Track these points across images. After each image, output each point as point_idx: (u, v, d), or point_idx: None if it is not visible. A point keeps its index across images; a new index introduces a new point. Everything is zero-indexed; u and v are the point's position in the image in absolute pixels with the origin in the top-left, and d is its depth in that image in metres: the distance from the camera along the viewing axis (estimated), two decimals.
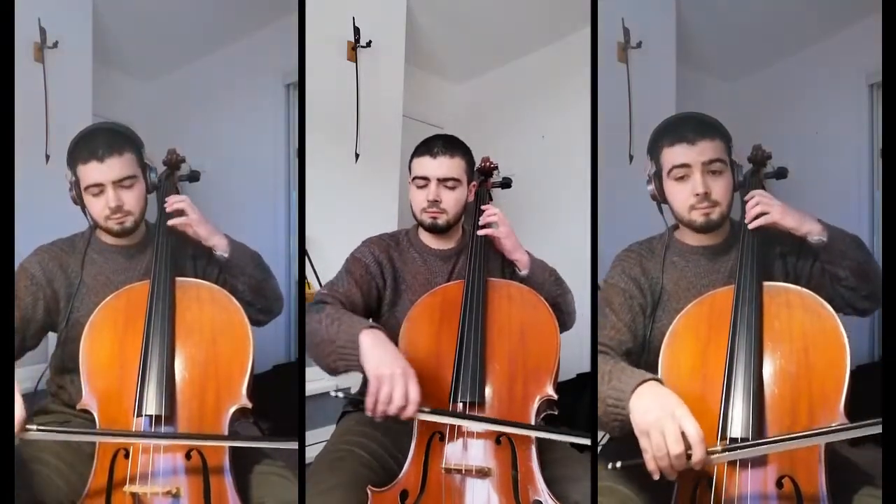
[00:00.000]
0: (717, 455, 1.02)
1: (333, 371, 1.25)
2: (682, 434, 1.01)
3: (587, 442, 1.16)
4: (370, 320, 1.30)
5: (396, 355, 1.17)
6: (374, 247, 1.47)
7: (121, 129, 1.38)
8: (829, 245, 1.24)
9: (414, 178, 1.45)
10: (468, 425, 1.21)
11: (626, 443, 1.09)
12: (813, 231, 1.24)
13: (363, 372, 1.17)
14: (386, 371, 1.14)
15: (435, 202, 1.42)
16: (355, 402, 1.16)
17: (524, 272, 1.45)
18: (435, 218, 1.43)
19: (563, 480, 1.20)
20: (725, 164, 1.28)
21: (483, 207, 1.47)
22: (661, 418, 1.02)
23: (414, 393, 1.13)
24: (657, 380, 1.10)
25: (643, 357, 1.33)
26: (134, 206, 1.35)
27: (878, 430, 0.98)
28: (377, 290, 1.45)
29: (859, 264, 1.24)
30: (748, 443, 1.05)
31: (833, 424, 1.05)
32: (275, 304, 1.49)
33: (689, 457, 1.01)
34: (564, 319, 1.49)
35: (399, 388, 1.13)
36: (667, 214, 1.37)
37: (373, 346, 1.17)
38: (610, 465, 1.09)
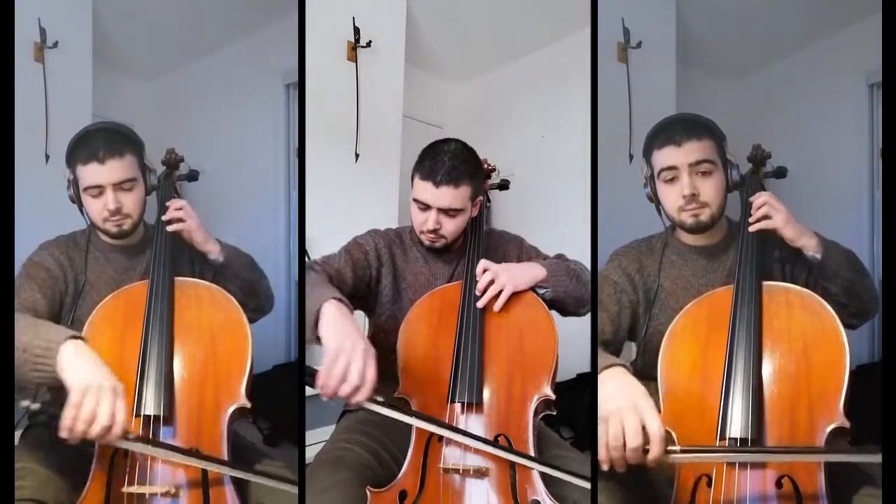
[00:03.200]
0: (675, 455, 1.01)
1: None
2: (643, 428, 0.98)
3: (586, 485, 1.13)
4: (337, 291, 1.20)
5: (359, 332, 1.08)
6: (378, 238, 1.47)
7: (122, 130, 1.38)
8: (823, 263, 1.25)
9: (415, 199, 1.40)
10: (460, 426, 1.20)
11: None
12: (809, 246, 1.24)
13: (319, 343, 1.09)
14: (346, 344, 1.04)
15: (434, 230, 1.40)
16: (312, 375, 1.04)
17: (548, 294, 1.36)
18: (433, 242, 1.43)
19: (563, 480, 1.19)
20: (714, 164, 1.29)
21: (478, 292, 1.32)
22: (622, 408, 1.00)
23: (371, 374, 1.04)
24: (623, 365, 1.09)
25: (640, 358, 1.33)
26: (133, 208, 1.35)
27: (877, 458, 0.98)
28: (369, 278, 1.44)
29: (851, 283, 1.25)
30: (711, 447, 1.05)
31: (832, 425, 1.05)
32: (266, 304, 1.50)
33: (645, 452, 0.99)
34: (585, 305, 1.42)
35: (357, 364, 1.03)
36: (664, 216, 1.37)
37: (336, 317, 1.09)
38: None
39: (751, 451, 1.06)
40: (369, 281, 1.44)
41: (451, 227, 1.41)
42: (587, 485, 1.13)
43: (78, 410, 0.99)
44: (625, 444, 0.98)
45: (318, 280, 1.25)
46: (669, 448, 1.00)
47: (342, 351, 1.04)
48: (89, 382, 1.02)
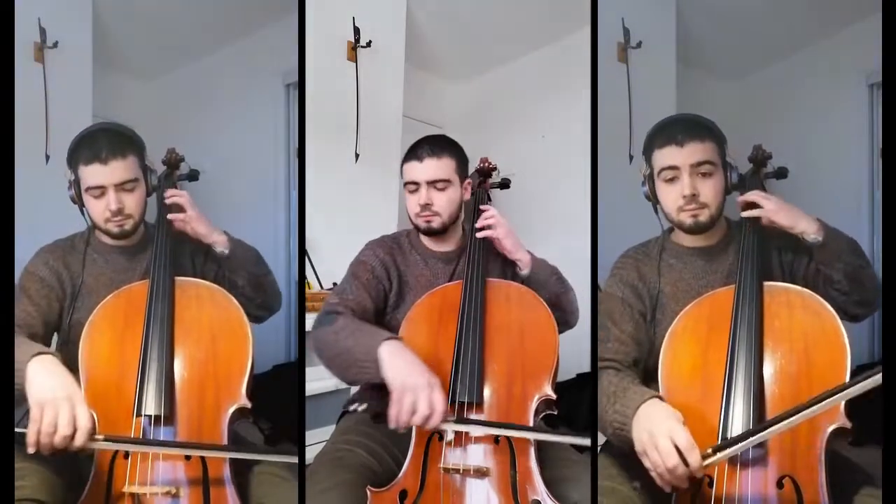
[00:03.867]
0: (710, 459, 1.02)
1: (354, 382, 1.27)
2: (676, 446, 1.01)
3: (586, 442, 1.16)
4: (386, 331, 1.29)
5: (419, 365, 1.17)
6: (377, 249, 1.47)
7: (124, 131, 1.38)
8: (825, 245, 1.23)
9: (405, 184, 1.44)
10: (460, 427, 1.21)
11: (625, 443, 1.10)
12: (808, 230, 1.23)
13: (384, 383, 1.17)
14: (409, 381, 1.14)
15: (427, 206, 1.41)
16: (376, 415, 1.19)
17: (525, 271, 1.44)
18: (429, 221, 1.43)
19: (563, 480, 1.19)
20: (715, 165, 1.28)
21: (481, 207, 1.47)
22: (653, 435, 1.04)
23: (439, 402, 1.13)
24: (657, 396, 1.11)
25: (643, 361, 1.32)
26: (134, 209, 1.35)
27: (877, 379, 0.93)
28: (384, 292, 1.44)
29: (854, 268, 1.23)
30: (735, 437, 1.03)
31: (833, 425, 1.05)
32: (274, 301, 1.49)
33: (688, 464, 1.01)
34: (567, 318, 1.48)
35: (423, 398, 1.13)
36: (661, 215, 1.37)
37: (392, 356, 1.17)
38: (633, 485, 1.14)
39: (776, 421, 1.00)
40: (384, 296, 1.45)
41: (442, 200, 1.42)
42: (586, 464, 1.16)
43: (38, 425, 1.03)
44: (665, 468, 1.02)
45: (350, 324, 1.29)
46: (704, 453, 1.02)
47: (406, 388, 1.14)
48: (45, 396, 1.05)
